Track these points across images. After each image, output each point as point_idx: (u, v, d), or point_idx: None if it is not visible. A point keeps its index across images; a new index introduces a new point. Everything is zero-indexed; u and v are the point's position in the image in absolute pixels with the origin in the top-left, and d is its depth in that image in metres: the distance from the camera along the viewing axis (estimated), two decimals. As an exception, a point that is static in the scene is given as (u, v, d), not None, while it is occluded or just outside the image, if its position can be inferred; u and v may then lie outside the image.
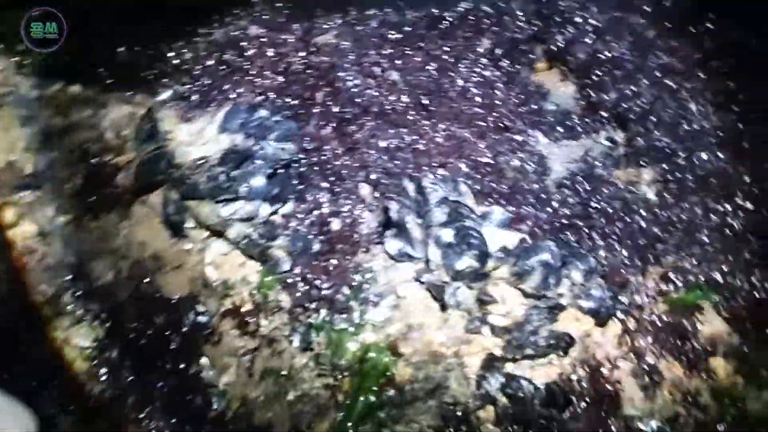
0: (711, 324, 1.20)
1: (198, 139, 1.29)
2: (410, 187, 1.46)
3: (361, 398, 1.04)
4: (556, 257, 1.24)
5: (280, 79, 1.40)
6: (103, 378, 1.06)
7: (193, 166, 1.22)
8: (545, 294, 1.23)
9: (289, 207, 1.46)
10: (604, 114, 1.48)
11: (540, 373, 1.15)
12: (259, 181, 1.27)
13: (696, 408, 1.12)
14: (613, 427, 1.10)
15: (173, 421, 1.07)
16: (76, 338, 1.09)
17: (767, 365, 1.15)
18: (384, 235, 1.38)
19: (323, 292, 1.29)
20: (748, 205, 1.31)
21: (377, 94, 1.42)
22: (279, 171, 1.34)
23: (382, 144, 1.38)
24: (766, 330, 1.19)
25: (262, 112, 1.34)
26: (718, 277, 1.24)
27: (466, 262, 1.27)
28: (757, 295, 1.22)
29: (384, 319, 1.23)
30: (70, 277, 1.09)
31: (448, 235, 1.32)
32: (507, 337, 1.19)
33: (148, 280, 1.16)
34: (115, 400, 1.04)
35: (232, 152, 1.27)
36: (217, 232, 1.25)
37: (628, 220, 1.31)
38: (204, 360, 1.18)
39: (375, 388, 1.04)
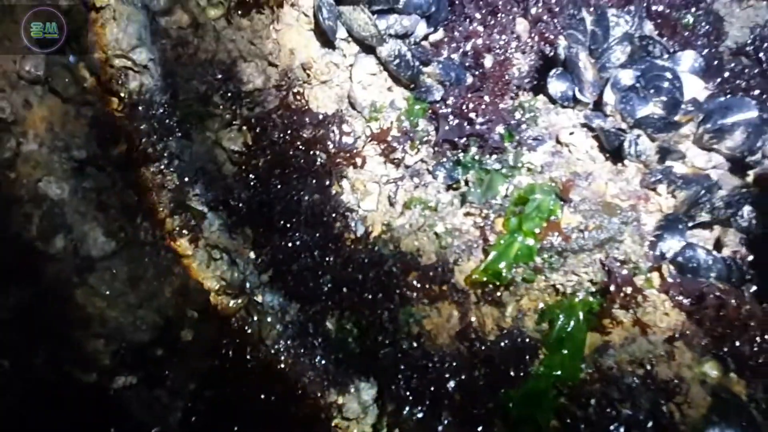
0: None
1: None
2: (588, 19, 1.25)
3: (519, 239, 0.95)
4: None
5: None
6: (252, 183, 1.03)
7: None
8: (744, 155, 1.04)
9: (441, 34, 1.31)
10: None
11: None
12: (418, -8, 1.11)
13: None
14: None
15: (317, 235, 1.04)
16: (226, 141, 1.06)
17: None
18: (548, 75, 1.21)
19: (476, 128, 1.16)
20: None
21: None
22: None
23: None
24: None
25: None
26: None
27: (651, 108, 1.09)
28: None
29: (543, 163, 1.10)
30: (220, 76, 1.03)
31: (627, 77, 1.13)
32: (685, 196, 1.03)
33: (296, 91, 1.08)
34: (263, 206, 1.02)
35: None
36: (369, 47, 1.13)
37: None
38: (345, 183, 1.12)
39: (537, 231, 0.94)
